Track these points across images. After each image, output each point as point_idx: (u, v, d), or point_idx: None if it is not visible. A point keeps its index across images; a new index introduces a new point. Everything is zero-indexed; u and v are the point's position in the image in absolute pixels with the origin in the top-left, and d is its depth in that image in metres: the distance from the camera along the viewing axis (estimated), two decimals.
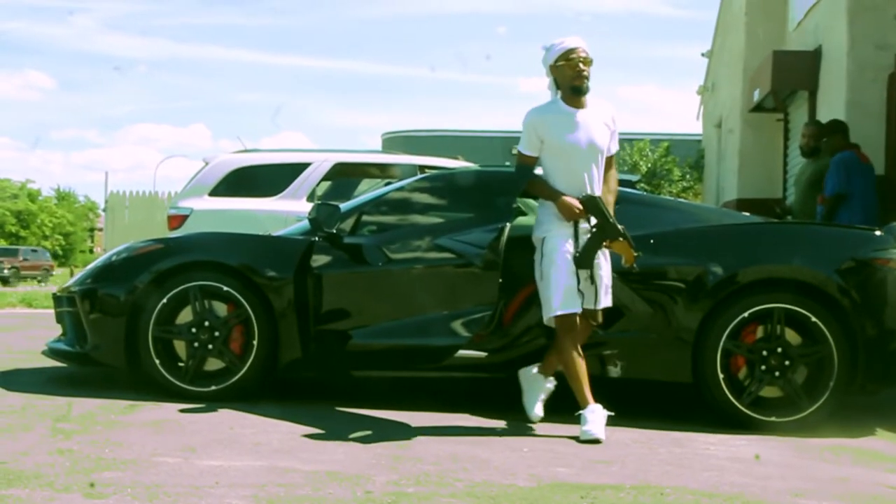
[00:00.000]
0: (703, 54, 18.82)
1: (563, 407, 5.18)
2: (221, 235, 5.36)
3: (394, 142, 29.99)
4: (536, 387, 4.63)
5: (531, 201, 7.00)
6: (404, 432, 4.20)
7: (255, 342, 4.82)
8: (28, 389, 4.96)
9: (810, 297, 4.68)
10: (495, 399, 5.40)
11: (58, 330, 5.54)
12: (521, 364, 4.89)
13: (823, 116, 9.01)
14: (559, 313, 4.30)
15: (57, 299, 5.43)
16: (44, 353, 5.35)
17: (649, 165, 23.85)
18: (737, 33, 13.93)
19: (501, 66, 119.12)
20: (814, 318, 4.62)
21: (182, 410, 4.50)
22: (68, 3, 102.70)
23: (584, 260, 4.32)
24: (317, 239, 4.92)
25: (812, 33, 10.19)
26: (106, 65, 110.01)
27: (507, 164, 6.33)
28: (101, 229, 59.55)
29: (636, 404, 5.33)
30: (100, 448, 3.63)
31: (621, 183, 9.38)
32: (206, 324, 4.85)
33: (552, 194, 4.44)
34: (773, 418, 4.59)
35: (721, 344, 4.65)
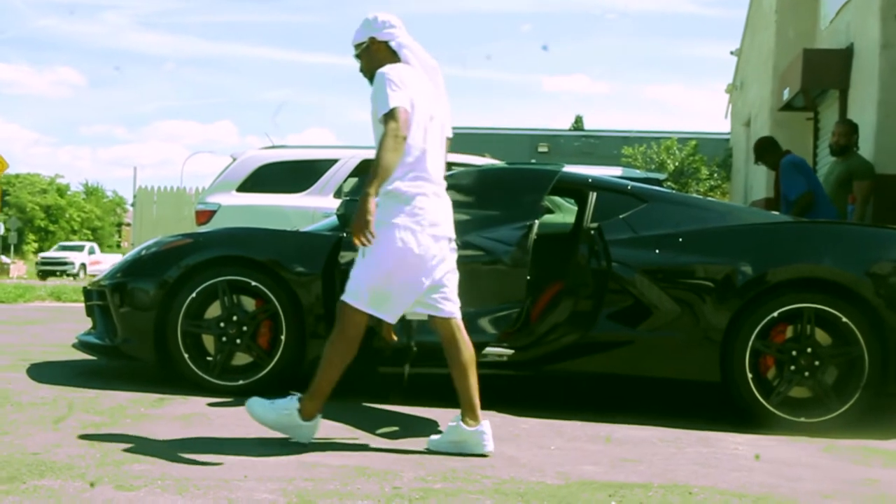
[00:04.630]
0: (732, 52, 18.70)
1: (590, 406, 5.18)
2: (250, 231, 5.39)
3: None
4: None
5: (558, 199, 7.00)
6: (431, 429, 4.19)
7: (282, 337, 4.84)
8: (59, 382, 5.01)
9: (841, 297, 4.64)
10: (522, 396, 5.40)
11: (87, 323, 5.60)
12: (549, 362, 4.89)
13: (854, 115, 8.94)
14: None
15: (87, 293, 5.48)
16: (74, 345, 5.41)
17: (677, 164, 23.71)
18: (766, 32, 13.83)
19: (526, 64, 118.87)
20: (844, 319, 4.58)
21: (210, 404, 4.53)
22: (92, 1, 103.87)
23: None
24: (345, 235, 4.93)
25: (843, 32, 10.10)
26: (135, 62, 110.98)
27: (533, 161, 6.32)
28: (128, 224, 60.05)
29: (663, 403, 5.32)
30: (129, 441, 3.66)
31: (649, 181, 9.34)
32: (235, 318, 4.89)
33: None
34: (802, 419, 4.55)
35: (750, 343, 4.61)
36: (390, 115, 3.61)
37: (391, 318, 3.78)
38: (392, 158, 3.58)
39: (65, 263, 39.86)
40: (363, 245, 3.58)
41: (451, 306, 3.85)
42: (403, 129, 3.60)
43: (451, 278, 3.86)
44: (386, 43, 3.87)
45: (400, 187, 3.69)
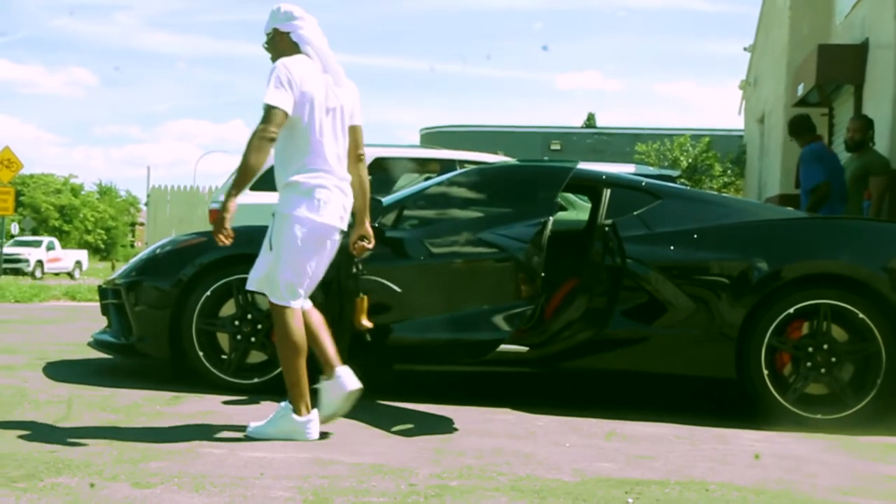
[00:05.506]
0: (745, 49, 18.63)
1: (605, 403, 5.16)
2: (264, 229, 5.37)
3: (432, 137, 29.97)
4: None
5: (571, 195, 6.98)
6: (446, 426, 4.19)
7: None
8: (75, 380, 5.03)
9: (857, 292, 4.61)
10: (537, 394, 5.39)
11: (102, 322, 5.61)
12: (564, 359, 4.87)
13: (870, 111, 8.88)
14: None
15: (102, 291, 5.49)
16: (89, 344, 5.43)
17: (690, 161, 23.64)
18: (780, 27, 13.77)
19: (538, 62, 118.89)
20: (861, 315, 4.55)
21: (225, 402, 4.54)
22: (101, 2, 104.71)
23: None
24: None
25: (858, 26, 10.05)
26: (146, 61, 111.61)
27: (546, 158, 6.31)
28: (142, 224, 60.27)
29: (678, 400, 5.30)
30: (146, 438, 3.67)
31: (662, 178, 9.32)
32: (249, 317, 4.89)
33: None
34: (818, 416, 4.53)
35: (766, 340, 4.59)
36: (264, 114, 3.70)
37: (299, 305, 3.84)
38: (256, 159, 3.67)
39: (18, 261, 33.85)
40: (222, 244, 3.72)
41: (308, 302, 3.93)
42: (272, 130, 3.67)
43: (323, 271, 3.95)
44: (288, 34, 3.92)
45: (299, 179, 3.78)
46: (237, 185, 3.67)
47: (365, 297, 4.19)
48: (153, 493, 2.91)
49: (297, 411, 3.78)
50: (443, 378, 5.53)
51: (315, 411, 3.82)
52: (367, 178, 4.09)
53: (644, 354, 4.80)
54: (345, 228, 3.92)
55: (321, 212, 3.77)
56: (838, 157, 7.64)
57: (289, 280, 3.77)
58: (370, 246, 4.15)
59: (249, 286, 3.94)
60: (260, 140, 3.65)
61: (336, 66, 3.94)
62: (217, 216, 3.68)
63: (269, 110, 3.68)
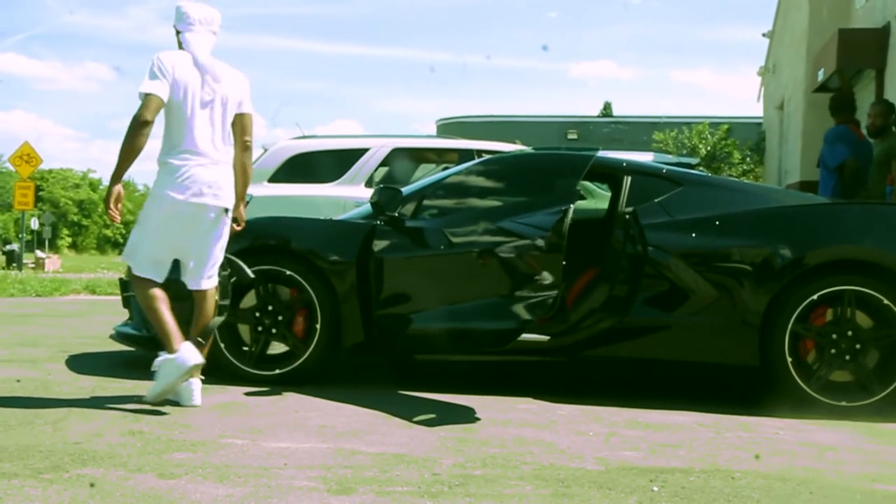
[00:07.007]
0: (764, 35, 18.50)
1: (627, 391, 5.15)
2: (283, 220, 5.39)
3: (448, 128, 29.89)
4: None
5: (588, 184, 6.95)
6: (468, 416, 4.19)
7: (318, 326, 4.84)
8: (98, 372, 5.06)
9: (882, 278, 4.55)
10: (558, 383, 5.38)
11: (123, 315, 5.63)
12: (585, 348, 4.85)
13: (892, 95, 8.79)
14: None
15: (124, 284, 5.51)
16: (111, 337, 5.44)
17: (708, 149, 23.50)
18: (799, 12, 13.64)
19: (553, 51, 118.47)
20: (886, 301, 4.50)
21: (247, 394, 4.54)
22: None
23: None
24: (379, 223, 4.92)
25: (880, 10, 9.95)
26: None
27: (562, 147, 6.27)
28: None
29: (700, 388, 5.27)
30: (169, 430, 3.68)
31: (681, 166, 9.29)
32: (270, 308, 4.89)
33: None
34: (843, 403, 4.49)
35: (789, 327, 4.55)
36: (141, 102, 4.02)
37: (160, 277, 4.19)
38: (134, 144, 4.00)
39: None
40: (113, 221, 4.10)
41: (194, 281, 4.27)
42: (148, 114, 3.99)
43: (212, 251, 4.26)
44: (179, 34, 4.29)
45: (168, 160, 4.11)
46: (119, 170, 4.03)
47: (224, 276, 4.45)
48: (178, 484, 2.92)
49: (169, 351, 4.02)
50: (464, 368, 5.52)
51: (187, 342, 4.05)
52: (250, 165, 4.38)
53: (666, 342, 4.77)
54: (217, 205, 4.16)
55: (183, 191, 4.07)
56: (869, 143, 7.49)
57: (148, 254, 4.10)
58: (239, 228, 4.45)
59: (123, 258, 4.22)
60: (137, 126, 3.99)
61: (213, 64, 4.21)
62: (105, 199, 4.11)
63: (145, 97, 4.02)
